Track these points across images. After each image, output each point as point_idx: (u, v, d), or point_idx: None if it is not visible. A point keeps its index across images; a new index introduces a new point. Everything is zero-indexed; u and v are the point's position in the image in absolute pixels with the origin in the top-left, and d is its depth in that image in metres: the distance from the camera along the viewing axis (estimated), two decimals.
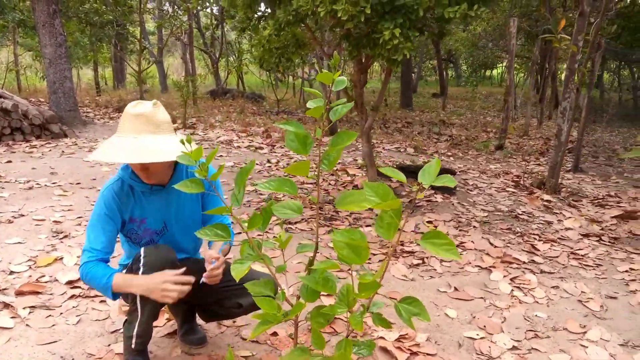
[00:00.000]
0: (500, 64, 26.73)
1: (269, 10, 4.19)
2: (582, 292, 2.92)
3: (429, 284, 2.98)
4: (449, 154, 7.04)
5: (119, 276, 1.79)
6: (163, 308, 2.44)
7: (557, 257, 3.41)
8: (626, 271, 3.21)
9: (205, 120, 9.00)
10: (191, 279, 1.77)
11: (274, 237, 2.42)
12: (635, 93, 16.65)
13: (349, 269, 1.49)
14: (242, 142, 7.18)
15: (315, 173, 1.57)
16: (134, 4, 11.91)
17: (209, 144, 6.96)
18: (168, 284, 1.73)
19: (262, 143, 7.16)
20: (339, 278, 1.65)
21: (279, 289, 1.64)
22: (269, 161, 6.01)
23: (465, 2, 3.17)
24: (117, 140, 1.78)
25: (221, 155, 6.24)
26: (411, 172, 5.05)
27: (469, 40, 18.94)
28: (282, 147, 6.94)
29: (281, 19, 3.40)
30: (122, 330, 2.08)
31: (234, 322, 2.48)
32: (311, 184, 5.01)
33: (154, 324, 2.18)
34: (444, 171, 5.06)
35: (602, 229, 4.03)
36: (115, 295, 1.83)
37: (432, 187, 4.81)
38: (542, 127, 11.22)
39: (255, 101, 13.45)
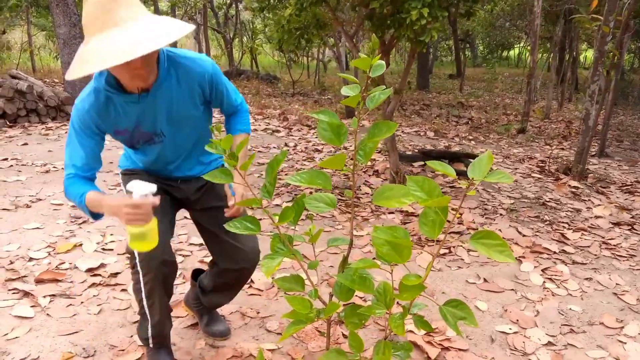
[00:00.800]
0: (517, 45, 26.20)
1: None
2: (617, 284, 2.81)
3: (457, 274, 2.89)
4: (470, 137, 6.89)
5: (91, 195, 1.60)
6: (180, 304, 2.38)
7: (588, 247, 3.29)
8: None
9: None
10: (156, 200, 1.51)
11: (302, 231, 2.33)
12: None
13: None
14: (259, 124, 7.08)
15: (350, 166, 1.47)
16: None
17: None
18: (129, 207, 1.47)
19: (278, 126, 7.05)
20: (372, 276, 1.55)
21: (308, 282, 1.55)
22: (286, 144, 5.91)
23: None
24: (95, 44, 1.38)
25: None
26: (433, 157, 4.94)
27: (486, 20, 18.52)
28: (300, 130, 6.83)
29: None
30: None
31: (258, 313, 2.41)
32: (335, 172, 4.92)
33: (175, 314, 2.11)
34: (466, 155, 4.94)
35: (632, 217, 3.89)
36: (95, 216, 1.68)
37: (457, 173, 4.68)
38: (563, 109, 10.97)
39: (270, 82, 13.31)
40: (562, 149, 6.76)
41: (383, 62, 1.39)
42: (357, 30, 4.14)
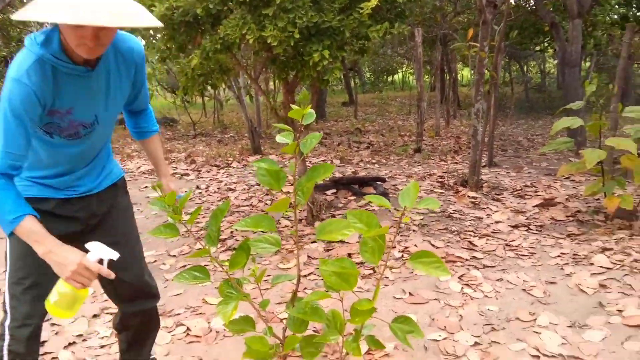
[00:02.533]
0: (400, 69, 27.86)
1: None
2: (524, 281, 3.13)
3: (384, 292, 3.07)
4: (373, 161, 7.26)
5: (30, 223, 1.39)
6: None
7: (494, 250, 3.63)
8: (558, 256, 3.48)
9: (121, 151, 8.66)
10: (111, 273, 1.45)
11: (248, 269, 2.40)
12: (526, 87, 18.00)
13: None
14: None
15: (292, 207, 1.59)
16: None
17: (130, 176, 6.70)
18: (80, 266, 1.38)
19: (187, 169, 7.00)
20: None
21: (260, 319, 1.63)
22: (198, 187, 5.89)
23: (386, 21, 3.31)
24: None
25: (146, 186, 6.03)
26: (343, 184, 5.17)
27: (370, 48, 19.57)
28: (209, 171, 6.83)
29: (208, 48, 3.37)
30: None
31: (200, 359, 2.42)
32: (247, 205, 4.98)
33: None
34: (374, 179, 5.23)
35: (527, 219, 4.34)
36: (10, 232, 1.43)
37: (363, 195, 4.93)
38: (450, 126, 11.84)
39: (168, 125, 13.11)
40: (456, 162, 7.32)
41: (313, 112, 1.54)
42: (259, 72, 4.31)
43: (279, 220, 4.49)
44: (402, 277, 3.26)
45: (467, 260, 3.48)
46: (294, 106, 1.48)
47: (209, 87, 4.23)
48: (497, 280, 3.17)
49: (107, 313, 2.94)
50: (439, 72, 12.52)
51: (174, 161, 7.66)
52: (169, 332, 2.71)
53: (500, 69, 5.55)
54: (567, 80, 9.07)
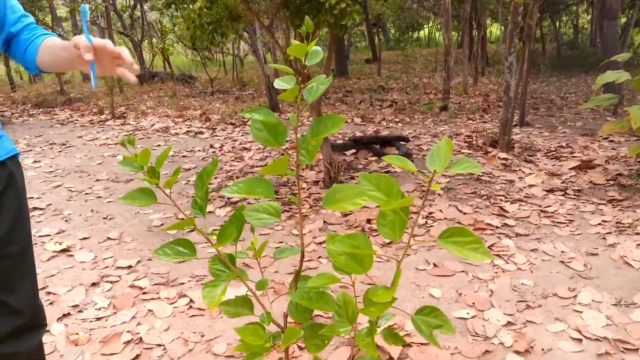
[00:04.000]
0: (427, 25, 26.91)
1: None
2: (562, 251, 2.82)
3: (405, 262, 2.79)
4: (397, 119, 6.89)
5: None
6: None
7: (528, 217, 3.31)
8: (599, 224, 3.14)
9: (136, 108, 8.42)
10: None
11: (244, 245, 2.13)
12: (558, 43, 17.13)
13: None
14: (180, 127, 6.73)
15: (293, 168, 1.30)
16: None
17: (142, 133, 6.48)
18: None
19: (201, 127, 6.74)
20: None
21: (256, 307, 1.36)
22: (212, 146, 5.63)
23: None
24: None
25: (159, 145, 5.80)
26: (365, 144, 4.86)
27: (395, 3, 18.84)
28: (224, 130, 6.56)
29: None
30: None
31: (203, 336, 2.20)
32: (261, 166, 4.71)
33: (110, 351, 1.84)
34: (397, 138, 4.89)
35: (563, 182, 3.98)
36: None
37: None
38: (478, 84, 11.30)
39: (186, 82, 12.82)
40: (485, 122, 6.90)
41: (319, 48, 1.22)
42: (272, 20, 3.95)
43: (294, 181, 4.21)
44: (426, 246, 2.97)
45: (497, 228, 3.17)
46: (294, 41, 1.17)
47: (218, 37, 3.90)
48: (532, 250, 2.86)
49: (107, 281, 2.73)
50: (467, 27, 11.88)
51: (188, 119, 7.40)
52: (171, 303, 2.49)
53: (535, 18, 5.07)
54: (606, 33, 8.47)
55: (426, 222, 3.28)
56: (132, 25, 15.50)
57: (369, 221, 3.33)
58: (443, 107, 7.53)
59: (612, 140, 5.36)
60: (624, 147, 5.02)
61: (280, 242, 3.11)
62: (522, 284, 2.52)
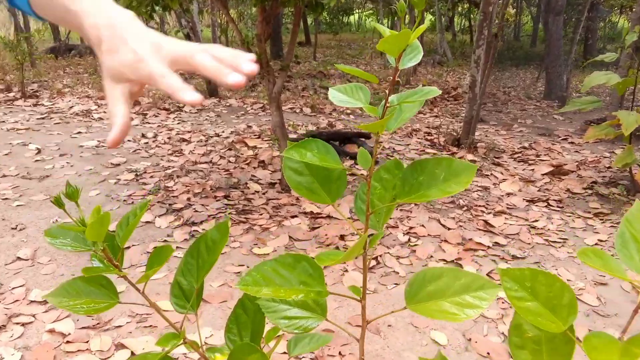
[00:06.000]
0: (358, 11, 26.65)
1: None
2: (568, 280, 2.48)
3: (395, 295, 2.35)
4: (348, 111, 6.43)
5: None
6: None
7: (518, 234, 2.96)
8: (596, 244, 2.85)
9: (51, 86, 7.41)
10: None
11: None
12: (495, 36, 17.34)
13: None
14: (104, 111, 5.90)
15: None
16: None
17: (59, 117, 5.60)
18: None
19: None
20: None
21: None
22: (144, 136, 4.91)
23: None
24: None
25: (79, 132, 4.99)
26: (324, 139, 4.35)
27: None
28: (156, 116, 5.81)
29: None
30: None
31: None
32: (205, 163, 4.09)
33: None
34: (357, 135, 4.43)
35: (539, 190, 3.70)
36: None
37: (351, 157, 4.16)
38: (417, 74, 11.09)
39: None
40: (435, 116, 6.61)
41: (419, 44, 0.71)
42: None
43: (246, 183, 3.65)
44: (414, 269, 2.54)
45: (489, 247, 2.79)
46: (386, 31, 0.65)
47: (159, 10, 3.23)
48: None
49: (17, 322, 2.09)
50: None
51: None
52: (106, 359, 1.90)
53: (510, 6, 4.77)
54: (551, 29, 8.45)
55: (409, 240, 2.85)
56: None
57: (342, 237, 2.85)
58: None
59: (572, 142, 5.21)
60: (586, 150, 4.86)
61: (240, 266, 2.56)
62: None
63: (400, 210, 3.24)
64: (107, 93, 0.59)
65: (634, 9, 4.59)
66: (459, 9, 21.85)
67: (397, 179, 0.84)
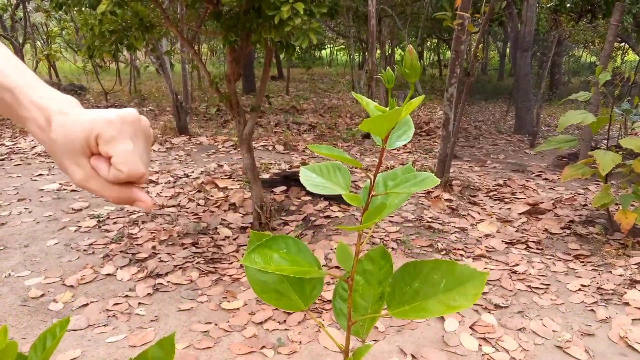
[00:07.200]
0: (330, 45, 27.00)
1: None
2: (553, 331, 2.37)
3: (376, 352, 2.19)
4: None
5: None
6: None
7: (499, 280, 2.85)
8: (580, 289, 2.76)
9: (12, 125, 7.15)
10: None
11: None
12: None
13: None
14: None
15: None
16: None
17: (20, 158, 5.36)
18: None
19: None
20: None
21: None
22: None
23: None
24: None
25: (40, 174, 4.76)
26: (295, 180, 4.24)
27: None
28: None
29: None
30: None
31: None
32: (173, 206, 3.90)
33: None
34: None
35: (517, 230, 3.62)
36: None
37: (326, 198, 4.04)
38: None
39: (75, 94, 11.43)
40: (409, 152, 6.57)
41: (410, 119, 0.59)
42: (197, 32, 3.23)
43: (216, 228, 3.47)
44: (395, 326, 2.40)
45: None
46: (369, 104, 0.53)
47: (124, 50, 3.10)
48: (519, 330, 2.38)
49: None
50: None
51: None
52: None
53: (481, 45, 4.78)
54: (519, 64, 8.59)
55: None
56: (13, 27, 13.72)
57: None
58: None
59: (546, 178, 5.19)
60: (560, 187, 4.84)
61: (207, 324, 2.37)
62: None
63: None
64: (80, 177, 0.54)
65: (604, 48, 4.65)
66: (428, 43, 22.40)
67: (383, 272, 0.71)
